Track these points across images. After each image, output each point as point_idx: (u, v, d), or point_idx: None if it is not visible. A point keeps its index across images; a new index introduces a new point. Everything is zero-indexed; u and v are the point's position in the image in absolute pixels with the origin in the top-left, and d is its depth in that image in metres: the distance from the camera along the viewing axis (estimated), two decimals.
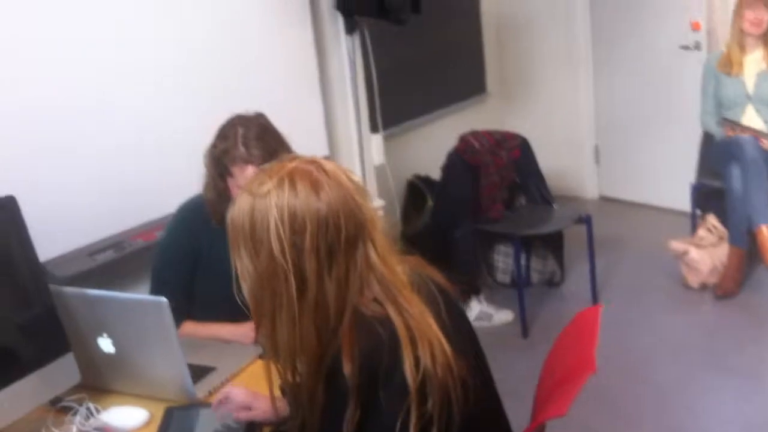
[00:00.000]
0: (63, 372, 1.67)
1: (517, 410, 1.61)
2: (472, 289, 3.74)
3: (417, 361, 1.22)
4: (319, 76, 3.38)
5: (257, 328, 1.32)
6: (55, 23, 2.40)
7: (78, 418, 1.67)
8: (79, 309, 1.73)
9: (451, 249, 3.73)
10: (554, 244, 3.97)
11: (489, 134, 3.84)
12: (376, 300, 1.28)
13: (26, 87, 2.34)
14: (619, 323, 3.50)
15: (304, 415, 1.33)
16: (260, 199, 1.24)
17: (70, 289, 1.75)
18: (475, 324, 3.50)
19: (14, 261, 1.62)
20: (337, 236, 1.24)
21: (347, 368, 1.23)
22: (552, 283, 4.00)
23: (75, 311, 1.73)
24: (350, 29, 3.47)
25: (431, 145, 4.09)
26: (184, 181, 2.17)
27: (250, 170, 1.95)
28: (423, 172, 4.24)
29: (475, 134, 3.82)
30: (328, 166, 1.30)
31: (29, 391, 1.60)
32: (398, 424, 1.21)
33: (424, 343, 1.24)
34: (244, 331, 2.00)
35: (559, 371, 1.62)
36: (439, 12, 4.38)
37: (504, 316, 3.70)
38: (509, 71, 5.22)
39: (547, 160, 4.18)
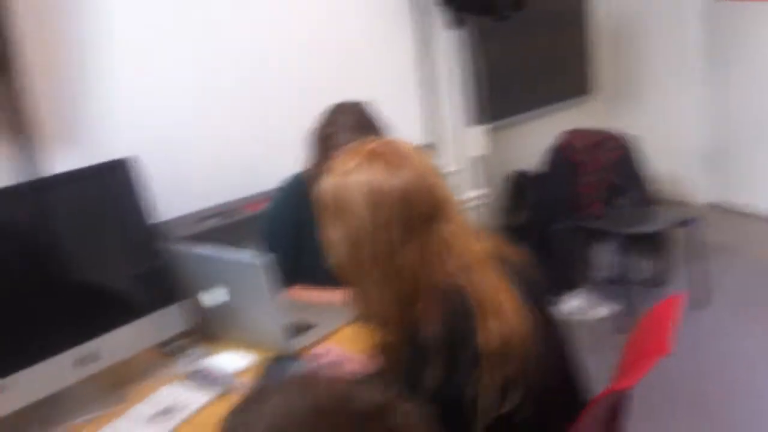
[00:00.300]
0: (172, 319, 1.85)
1: None
2: (569, 283, 3.74)
3: (491, 329, 1.29)
4: (421, 69, 3.45)
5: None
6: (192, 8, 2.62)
7: (184, 360, 1.83)
8: (188, 264, 1.90)
9: (550, 242, 3.74)
10: (658, 245, 3.90)
11: (590, 134, 3.81)
12: (453, 272, 1.35)
13: (159, 61, 2.53)
14: (722, 330, 3.41)
15: (392, 371, 1.44)
16: (343, 177, 1.36)
17: (181, 246, 1.93)
18: (571, 317, 3.53)
19: (132, 217, 1.80)
20: (412, 212, 1.33)
21: (426, 333, 1.31)
22: (655, 284, 3.93)
23: (185, 266, 1.89)
24: (456, 24, 3.51)
25: (537, 141, 4.08)
26: (291, 159, 2.32)
27: None
28: (528, 166, 4.25)
29: (576, 132, 3.81)
30: (404, 147, 1.40)
31: (142, 333, 1.78)
32: (471, 389, 1.28)
33: (497, 313, 1.32)
34: (345, 297, 2.11)
35: (636, 352, 1.64)
36: (547, 11, 4.40)
37: (601, 311, 3.67)
38: (621, 72, 5.13)
39: (657, 163, 4.13)
